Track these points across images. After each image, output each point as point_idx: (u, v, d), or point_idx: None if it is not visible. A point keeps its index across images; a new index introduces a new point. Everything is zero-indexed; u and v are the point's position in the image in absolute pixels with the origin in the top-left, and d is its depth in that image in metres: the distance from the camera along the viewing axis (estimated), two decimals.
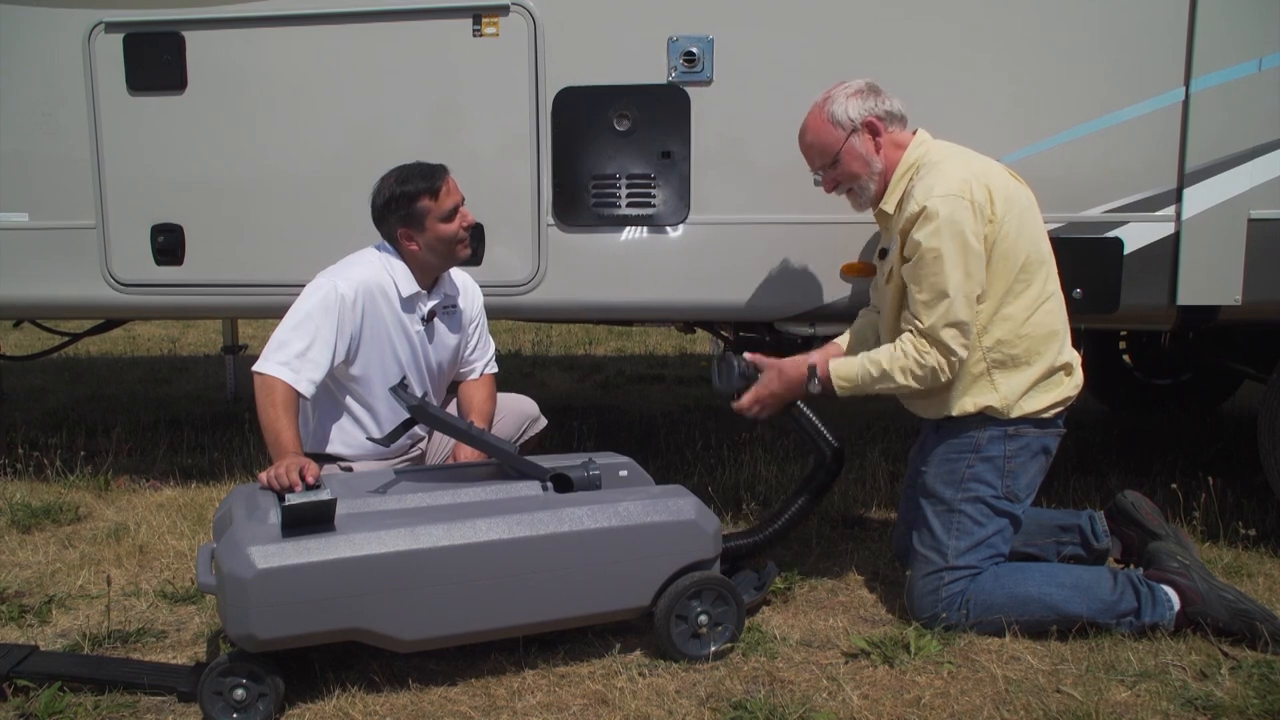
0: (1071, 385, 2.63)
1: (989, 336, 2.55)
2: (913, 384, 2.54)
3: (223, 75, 3.33)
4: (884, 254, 2.70)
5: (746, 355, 2.72)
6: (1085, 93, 2.97)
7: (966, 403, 2.59)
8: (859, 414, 4.65)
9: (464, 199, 2.90)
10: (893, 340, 2.61)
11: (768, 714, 2.15)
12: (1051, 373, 2.59)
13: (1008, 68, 3.01)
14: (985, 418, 2.58)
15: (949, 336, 2.49)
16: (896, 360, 2.55)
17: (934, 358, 2.51)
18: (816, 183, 2.75)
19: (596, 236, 3.24)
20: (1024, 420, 2.58)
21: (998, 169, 2.62)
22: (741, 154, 3.15)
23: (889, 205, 2.64)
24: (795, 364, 2.66)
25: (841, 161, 2.65)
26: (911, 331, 2.55)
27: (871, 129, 2.62)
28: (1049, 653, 2.44)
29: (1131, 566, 2.73)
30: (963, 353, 2.51)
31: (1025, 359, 2.56)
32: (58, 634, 2.61)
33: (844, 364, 2.62)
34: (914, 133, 2.68)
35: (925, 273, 2.48)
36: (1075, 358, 2.65)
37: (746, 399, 2.69)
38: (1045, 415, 2.60)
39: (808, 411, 2.76)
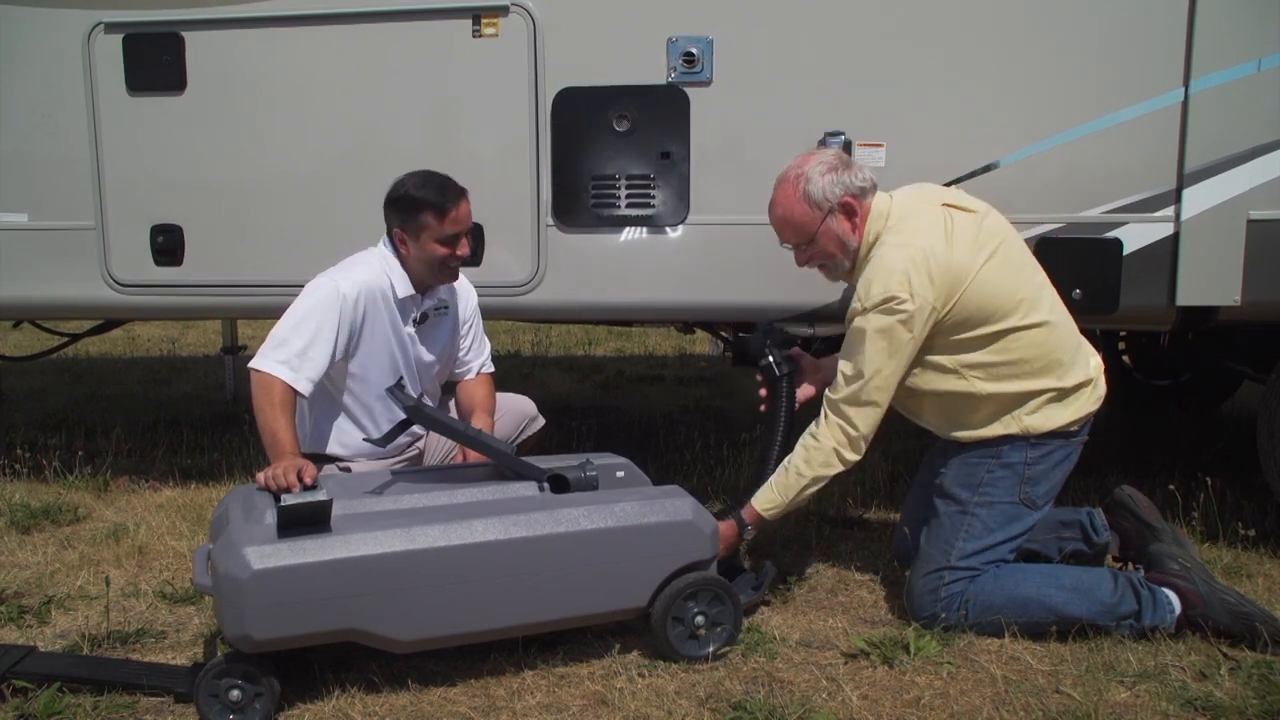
0: (1093, 399, 2.62)
1: (990, 386, 2.55)
2: (824, 473, 2.58)
3: (222, 76, 3.33)
4: None
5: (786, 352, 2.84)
6: (1085, 93, 2.97)
7: (985, 433, 2.59)
8: None
9: (469, 231, 2.90)
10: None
11: (767, 714, 2.15)
12: (1064, 394, 2.57)
13: (1008, 68, 3.00)
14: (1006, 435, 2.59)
15: (855, 414, 2.54)
16: (797, 457, 2.60)
17: (830, 439, 2.56)
18: (785, 248, 2.74)
19: (596, 237, 3.24)
20: (1047, 434, 2.57)
21: (937, 239, 2.52)
22: (741, 154, 3.15)
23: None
24: (725, 525, 2.65)
25: (817, 242, 2.64)
26: (811, 425, 2.62)
27: (848, 209, 2.59)
28: (1049, 653, 2.44)
29: (1130, 567, 2.72)
30: (867, 431, 2.56)
31: (1033, 394, 2.56)
32: (57, 634, 2.61)
33: (760, 493, 2.65)
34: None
35: (851, 350, 2.54)
36: (1096, 370, 2.64)
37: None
38: (1070, 429, 2.59)
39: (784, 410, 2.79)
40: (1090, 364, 2.64)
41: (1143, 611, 2.48)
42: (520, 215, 3.25)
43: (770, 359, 2.79)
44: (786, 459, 2.63)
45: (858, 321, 2.52)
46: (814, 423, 2.62)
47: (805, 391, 2.87)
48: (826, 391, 2.61)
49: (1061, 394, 2.57)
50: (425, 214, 2.80)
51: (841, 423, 2.56)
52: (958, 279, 2.49)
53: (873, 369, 2.50)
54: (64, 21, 3.35)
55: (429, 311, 2.98)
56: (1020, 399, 2.56)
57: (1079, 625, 2.48)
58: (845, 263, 2.67)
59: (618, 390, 6.09)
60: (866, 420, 2.55)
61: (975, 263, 2.52)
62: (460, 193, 2.84)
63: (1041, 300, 2.59)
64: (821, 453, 2.57)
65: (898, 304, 2.46)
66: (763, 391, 2.83)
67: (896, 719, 2.17)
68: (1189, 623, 2.48)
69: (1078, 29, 2.96)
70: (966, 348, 2.55)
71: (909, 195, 2.67)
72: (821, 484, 2.61)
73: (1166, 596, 2.51)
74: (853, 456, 2.58)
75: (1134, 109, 2.95)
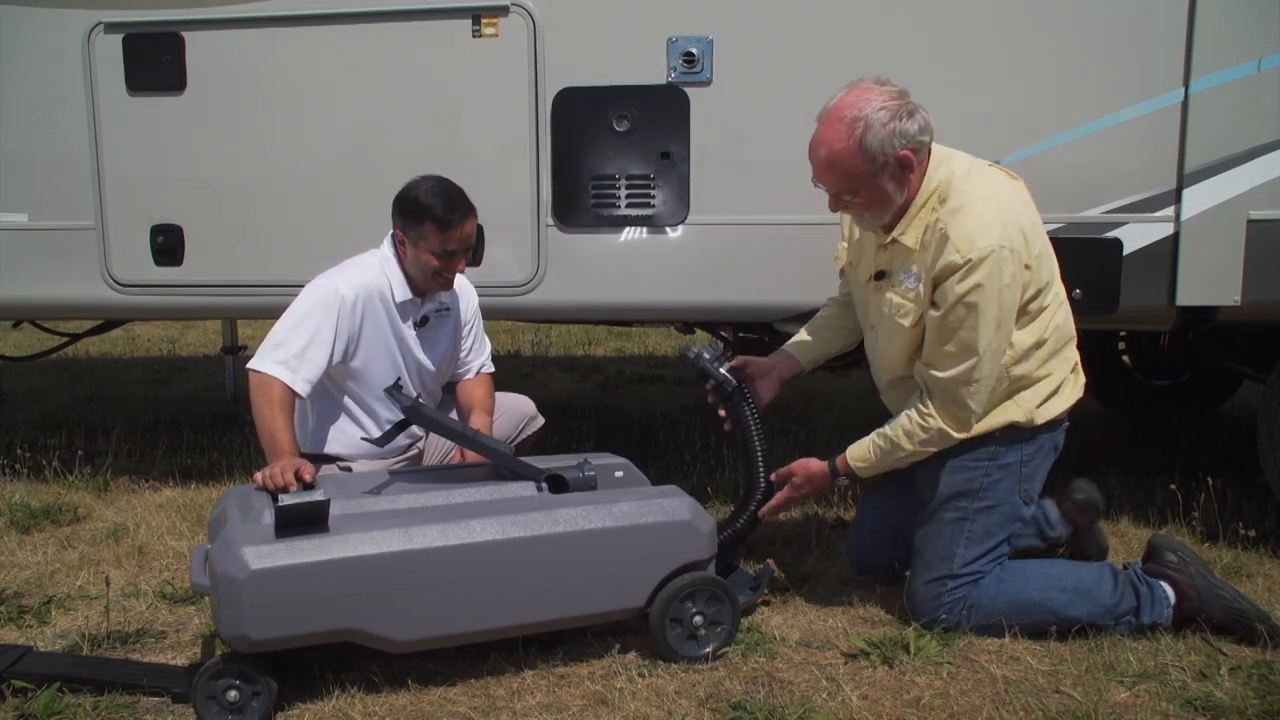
0: (1080, 385, 2.63)
1: (1019, 368, 2.49)
2: (924, 450, 2.51)
3: (222, 75, 3.33)
4: (880, 275, 2.57)
5: (731, 361, 2.75)
6: (1085, 93, 2.97)
7: (992, 421, 2.53)
8: (855, 414, 4.63)
9: (468, 251, 2.90)
10: (896, 375, 2.61)
11: (767, 714, 2.14)
12: (1063, 379, 2.58)
13: (1008, 68, 3.00)
14: (1008, 427, 2.55)
15: (968, 393, 2.40)
16: (900, 426, 2.52)
17: (938, 419, 2.46)
18: (818, 187, 2.56)
19: (596, 237, 3.24)
20: (1043, 425, 2.56)
21: (1015, 195, 2.48)
22: (741, 154, 3.15)
23: (909, 239, 2.44)
24: (819, 466, 2.63)
25: (862, 194, 2.41)
26: (917, 398, 2.51)
27: (904, 163, 2.37)
28: (1049, 653, 2.43)
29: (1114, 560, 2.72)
30: (980, 409, 2.44)
31: (1045, 373, 2.54)
32: (57, 634, 2.61)
33: (857, 447, 2.59)
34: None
35: (957, 327, 2.36)
36: (1078, 355, 2.65)
37: (779, 498, 2.68)
38: (1061, 418, 2.60)
39: (749, 415, 2.73)
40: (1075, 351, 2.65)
41: (1141, 608, 2.49)
42: (520, 215, 3.25)
43: (717, 378, 2.71)
44: (891, 423, 2.53)
45: (961, 285, 2.32)
46: (919, 396, 2.51)
47: (766, 396, 2.78)
48: (931, 371, 2.43)
49: (1061, 381, 2.56)
50: (427, 223, 2.79)
51: (952, 404, 2.43)
52: (1035, 238, 2.41)
53: (985, 343, 2.34)
54: (64, 21, 3.35)
55: (430, 314, 2.98)
56: (1032, 382, 2.52)
57: (1080, 625, 2.49)
58: (884, 216, 2.46)
59: (618, 390, 6.09)
60: (979, 397, 2.41)
61: (1041, 229, 2.47)
62: (467, 211, 2.83)
63: (1058, 277, 2.56)
64: (927, 432, 2.47)
65: (1006, 259, 2.31)
66: (722, 412, 2.76)
67: (896, 719, 2.17)
68: (1184, 617, 2.49)
69: (1078, 29, 2.96)
70: (1017, 338, 2.46)
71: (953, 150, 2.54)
72: (919, 458, 2.53)
73: (1163, 590, 2.51)
74: (961, 435, 2.46)
75: (1134, 109, 2.95)
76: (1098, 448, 4.21)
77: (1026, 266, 2.38)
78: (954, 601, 2.52)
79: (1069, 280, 2.88)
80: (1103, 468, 3.81)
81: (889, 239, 2.51)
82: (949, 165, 2.45)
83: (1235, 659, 2.37)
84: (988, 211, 2.36)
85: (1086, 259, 2.99)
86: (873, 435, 2.58)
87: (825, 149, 2.40)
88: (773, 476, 2.70)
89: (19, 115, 3.43)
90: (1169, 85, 2.92)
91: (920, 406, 2.50)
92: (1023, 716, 2.17)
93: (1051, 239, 2.97)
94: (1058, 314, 2.53)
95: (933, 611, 2.53)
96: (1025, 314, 2.45)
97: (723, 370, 2.72)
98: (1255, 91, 2.86)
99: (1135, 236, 2.98)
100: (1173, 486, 3.24)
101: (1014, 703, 2.21)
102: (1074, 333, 2.61)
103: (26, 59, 3.41)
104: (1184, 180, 2.93)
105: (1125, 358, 5.04)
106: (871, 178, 2.38)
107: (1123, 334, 4.86)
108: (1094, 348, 4.91)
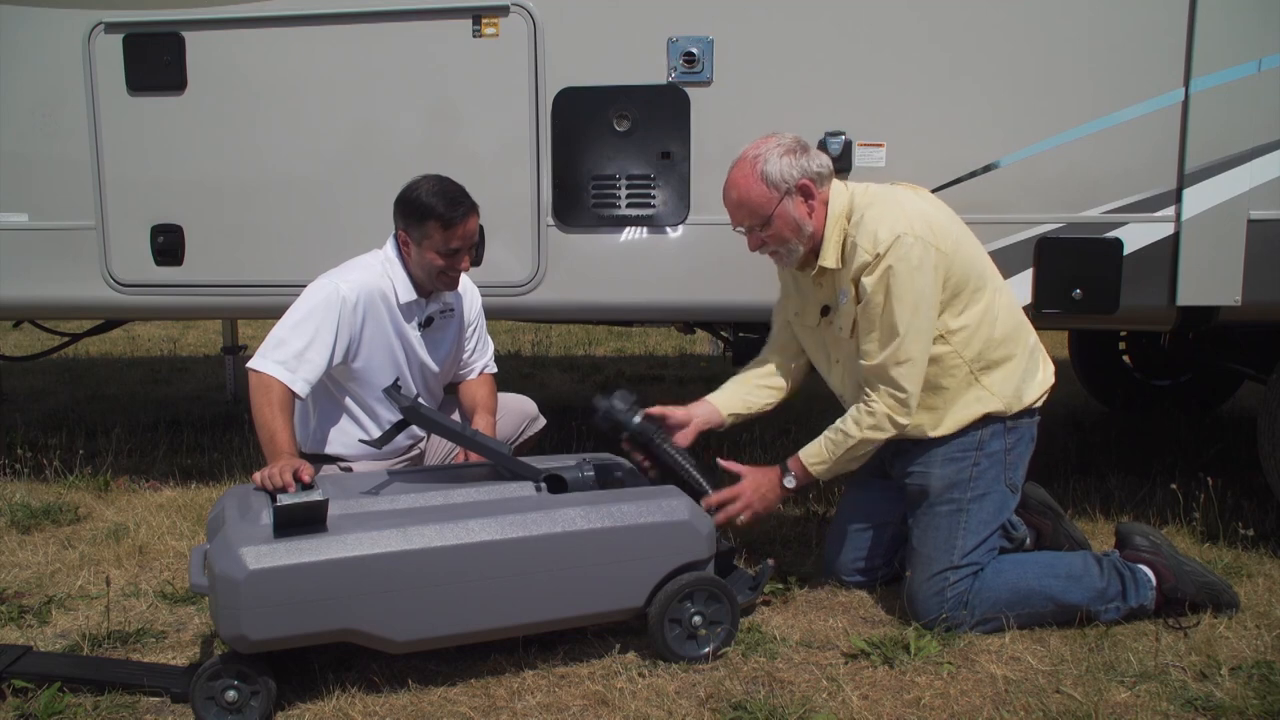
0: (1049, 373, 2.70)
1: (970, 349, 2.57)
2: (873, 435, 2.57)
3: (223, 75, 3.33)
4: (826, 310, 2.70)
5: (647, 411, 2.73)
6: (1085, 93, 2.97)
7: (967, 414, 2.60)
8: None
9: (473, 248, 2.90)
10: (857, 386, 2.65)
11: (767, 714, 2.14)
12: (1031, 360, 2.64)
13: (1008, 67, 3.00)
14: (987, 417, 2.61)
15: (899, 374, 2.52)
16: (849, 418, 2.60)
17: (881, 403, 2.54)
18: (739, 231, 2.68)
19: (596, 237, 3.24)
20: (1021, 413, 2.63)
21: (916, 198, 2.61)
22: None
23: (829, 260, 2.59)
24: (765, 472, 2.65)
25: (772, 224, 2.58)
26: (862, 395, 2.59)
27: (805, 191, 2.56)
28: (1049, 653, 2.43)
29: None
30: (913, 389, 2.53)
31: (1007, 355, 2.60)
32: (57, 634, 2.61)
33: (810, 447, 2.65)
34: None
35: (877, 313, 2.51)
36: (1041, 345, 2.73)
37: (732, 510, 2.63)
38: (1037, 405, 2.66)
39: (673, 452, 2.70)
40: (1034, 335, 2.72)
41: (1126, 592, 2.55)
42: (520, 215, 3.25)
43: (630, 428, 2.68)
44: (840, 420, 2.61)
45: (872, 276, 2.47)
46: (864, 392, 2.59)
47: (685, 439, 2.75)
48: (861, 363, 2.56)
49: (1028, 364, 2.63)
50: (430, 223, 2.79)
51: (888, 388, 2.53)
52: (946, 236, 2.53)
53: (905, 323, 2.48)
54: (64, 21, 3.35)
55: (434, 315, 2.98)
56: (992, 365, 2.59)
57: (1078, 612, 2.52)
58: (800, 248, 2.61)
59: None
60: (911, 378, 2.52)
61: (954, 225, 2.59)
62: (470, 208, 2.83)
63: (995, 269, 2.67)
64: (873, 417, 2.56)
65: (910, 244, 2.44)
66: (642, 460, 2.71)
67: (896, 719, 2.17)
68: (1164, 598, 2.55)
69: (1078, 29, 2.96)
70: (948, 309, 2.55)
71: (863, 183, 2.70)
72: (870, 447, 2.60)
73: (1145, 574, 2.58)
74: (904, 419, 2.56)
75: (1134, 109, 2.95)
76: (1098, 448, 4.22)
77: (939, 250, 2.49)
78: (957, 596, 2.54)
79: (1069, 280, 2.89)
80: (1103, 468, 3.81)
81: (817, 269, 2.63)
82: (848, 191, 2.62)
83: (1235, 659, 2.37)
84: (885, 211, 2.53)
85: (1087, 259, 2.99)
86: (823, 435, 2.64)
87: (735, 190, 2.61)
88: (712, 501, 2.63)
89: (19, 115, 3.43)
90: (1169, 85, 2.92)
91: (865, 395, 2.60)
92: (1023, 716, 2.17)
93: (1051, 239, 3.00)
94: (1000, 298, 2.61)
95: (936, 609, 2.54)
96: (956, 299, 2.55)
97: (636, 420, 2.69)
98: (1255, 91, 2.87)
99: (1135, 236, 2.98)
100: (1173, 486, 3.24)
101: (1014, 703, 2.21)
102: (1028, 324, 2.68)
103: (27, 59, 3.40)
104: (1184, 180, 2.93)
105: (1125, 358, 5.04)
106: (777, 205, 2.56)
107: (1123, 334, 4.87)
108: (1095, 348, 4.96)
